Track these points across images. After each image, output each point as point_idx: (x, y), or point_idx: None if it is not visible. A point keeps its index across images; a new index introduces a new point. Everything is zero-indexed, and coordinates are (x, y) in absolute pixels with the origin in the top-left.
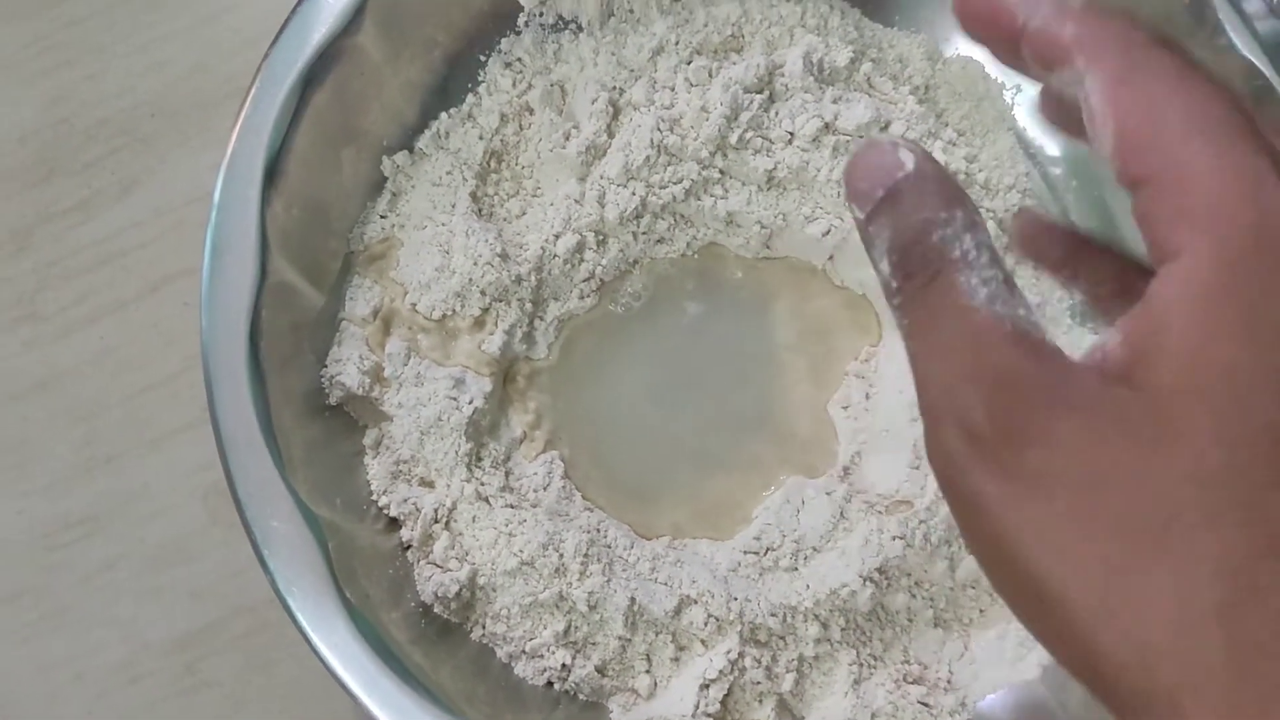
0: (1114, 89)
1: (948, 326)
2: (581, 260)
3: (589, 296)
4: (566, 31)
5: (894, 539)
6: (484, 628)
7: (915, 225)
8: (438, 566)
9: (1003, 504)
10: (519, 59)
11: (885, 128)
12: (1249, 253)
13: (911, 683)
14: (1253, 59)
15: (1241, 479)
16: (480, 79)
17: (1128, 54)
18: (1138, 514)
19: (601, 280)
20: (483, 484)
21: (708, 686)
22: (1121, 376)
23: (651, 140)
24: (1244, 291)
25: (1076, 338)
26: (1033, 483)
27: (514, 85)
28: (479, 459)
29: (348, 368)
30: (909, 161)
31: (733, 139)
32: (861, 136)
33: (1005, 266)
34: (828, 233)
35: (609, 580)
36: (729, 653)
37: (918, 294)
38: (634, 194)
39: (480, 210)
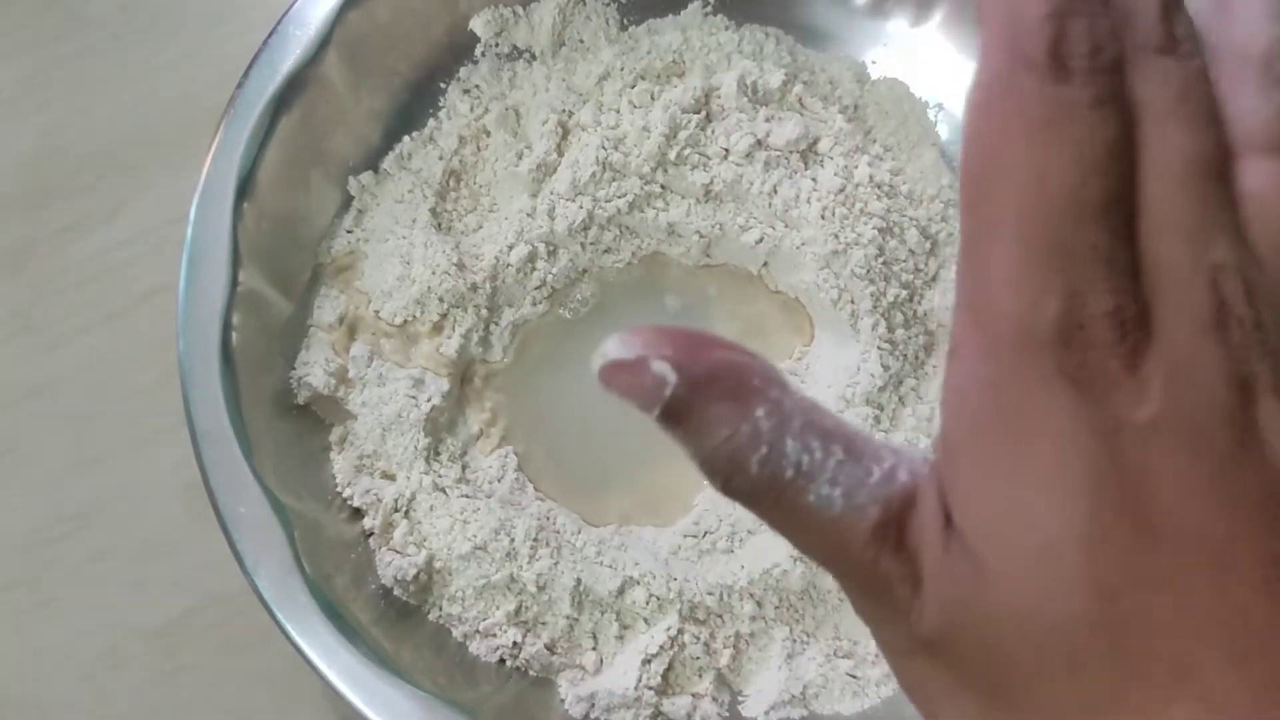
0: None
1: (812, 540)
2: (534, 269)
3: (541, 303)
4: (521, 60)
5: None
6: (440, 609)
7: (724, 453)
8: (397, 552)
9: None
10: (476, 86)
11: (814, 144)
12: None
13: (842, 657)
14: None
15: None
16: (440, 104)
17: None
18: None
19: (553, 288)
20: (440, 476)
21: (649, 661)
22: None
23: (597, 158)
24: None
25: None
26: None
27: (471, 110)
28: (437, 453)
29: (315, 370)
30: (670, 375)
31: (672, 155)
32: (793, 152)
33: (828, 423)
34: (760, 241)
35: (557, 563)
36: (669, 629)
37: (769, 514)
38: (582, 208)
39: (439, 225)
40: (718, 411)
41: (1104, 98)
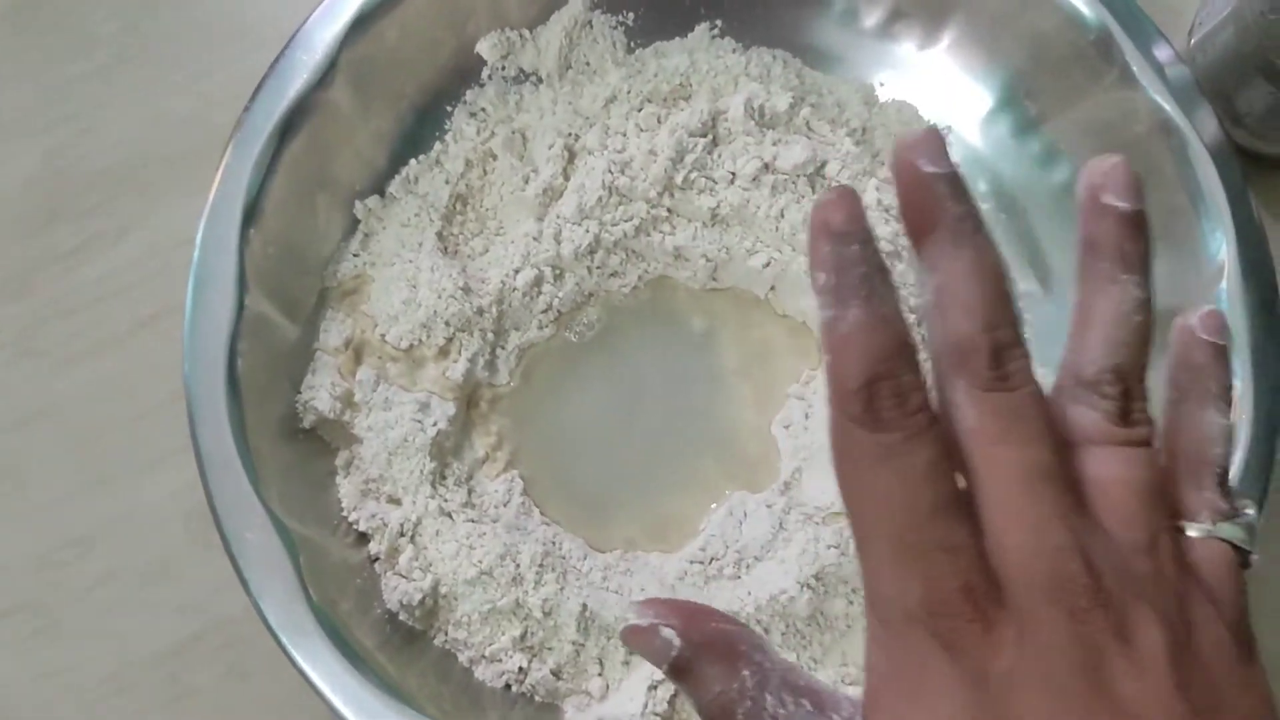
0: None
1: None
2: (540, 293)
3: (547, 326)
4: (527, 84)
5: (829, 548)
6: (446, 634)
7: (717, 705)
8: (403, 577)
9: None
10: (483, 109)
11: (821, 167)
12: None
13: (849, 684)
14: (1157, 98)
15: None
16: (447, 128)
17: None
18: None
19: (559, 311)
20: (446, 500)
21: (656, 688)
22: None
23: (604, 182)
24: None
25: None
26: None
27: (478, 133)
28: (443, 478)
29: (321, 394)
30: (675, 640)
31: (679, 179)
32: (800, 175)
33: (800, 681)
34: (768, 265)
35: (563, 588)
36: None
37: None
38: (588, 231)
39: (446, 248)
40: (712, 671)
41: (915, 433)
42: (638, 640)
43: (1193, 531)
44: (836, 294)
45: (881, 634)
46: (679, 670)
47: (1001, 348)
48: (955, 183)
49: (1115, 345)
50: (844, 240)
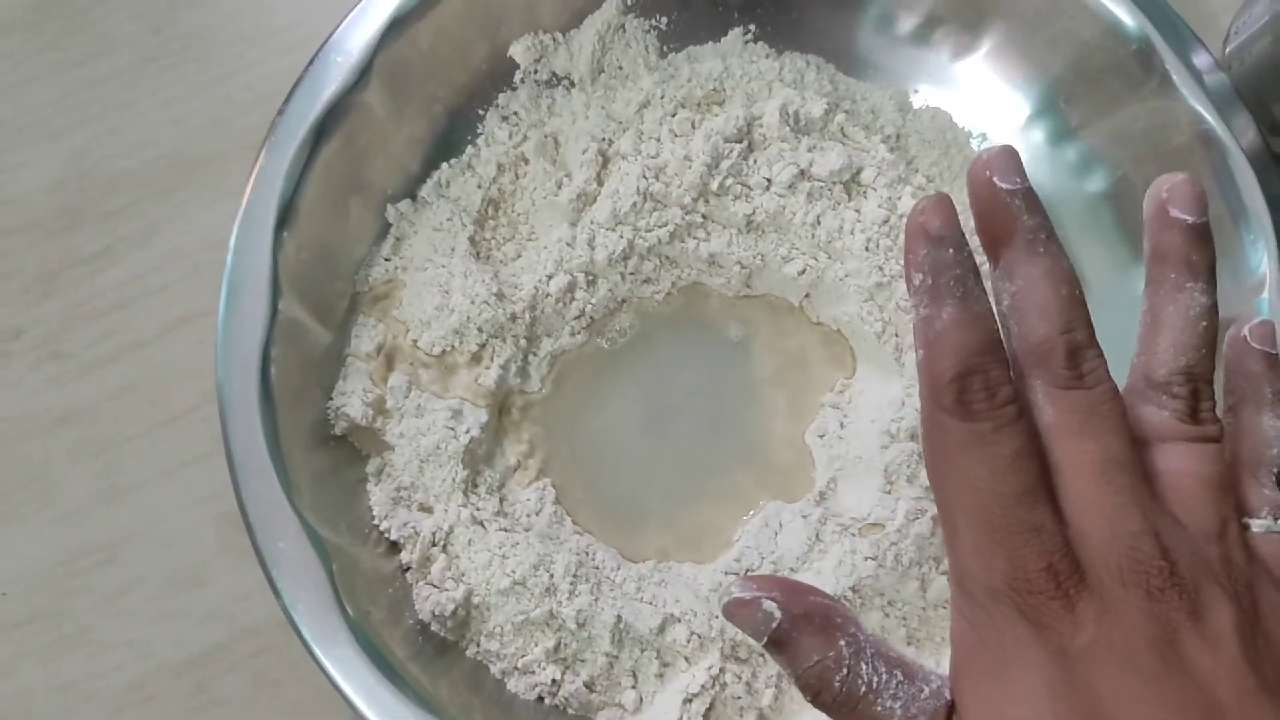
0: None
1: None
2: (573, 299)
3: (580, 333)
4: (560, 87)
5: (866, 559)
6: (478, 645)
7: (815, 673)
8: (435, 587)
9: None
10: (515, 113)
11: (857, 174)
12: None
13: None
14: (1198, 107)
15: None
16: (479, 131)
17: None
18: None
19: (591, 318)
20: (478, 509)
21: (690, 701)
22: None
23: (638, 188)
24: None
25: None
26: None
27: (510, 137)
28: (475, 486)
29: (352, 400)
30: (776, 612)
31: (714, 186)
32: (836, 182)
33: (891, 653)
34: (803, 272)
35: (597, 599)
36: (711, 669)
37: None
38: (622, 237)
39: (478, 253)
40: (810, 642)
41: (1002, 424)
42: (740, 613)
43: (1256, 527)
44: (932, 293)
45: (967, 608)
46: (778, 642)
47: (1077, 348)
48: (1029, 197)
49: (1184, 348)
50: (940, 244)
